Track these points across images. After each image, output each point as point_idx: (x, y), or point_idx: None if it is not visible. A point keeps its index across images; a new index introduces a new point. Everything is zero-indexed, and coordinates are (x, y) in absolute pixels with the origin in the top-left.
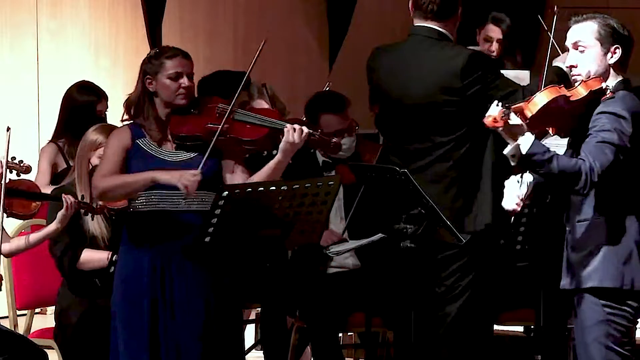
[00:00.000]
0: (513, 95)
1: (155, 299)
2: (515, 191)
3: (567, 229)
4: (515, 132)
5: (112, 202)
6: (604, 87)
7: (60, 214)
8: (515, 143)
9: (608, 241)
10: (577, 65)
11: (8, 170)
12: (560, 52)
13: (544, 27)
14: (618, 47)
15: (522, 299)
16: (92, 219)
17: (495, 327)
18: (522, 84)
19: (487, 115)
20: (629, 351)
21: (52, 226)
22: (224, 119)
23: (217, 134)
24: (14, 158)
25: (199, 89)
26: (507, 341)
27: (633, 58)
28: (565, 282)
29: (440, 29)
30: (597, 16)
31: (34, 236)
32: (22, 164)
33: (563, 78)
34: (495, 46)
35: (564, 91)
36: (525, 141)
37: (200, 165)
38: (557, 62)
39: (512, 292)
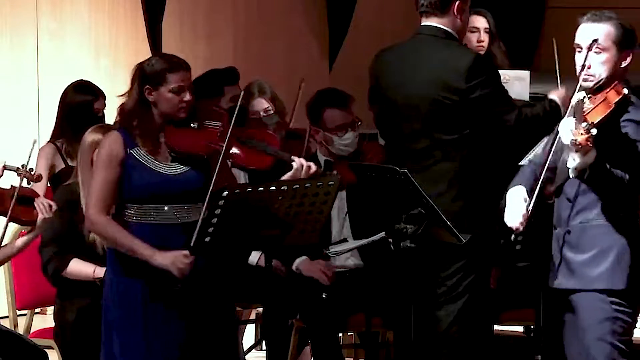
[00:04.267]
0: (511, 113)
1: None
2: (520, 207)
3: (566, 229)
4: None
5: None
6: (626, 93)
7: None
8: (587, 155)
9: (618, 242)
10: (590, 67)
11: (18, 177)
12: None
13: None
14: (631, 52)
15: (522, 299)
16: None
17: (495, 327)
18: (521, 85)
19: (575, 138)
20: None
21: (36, 231)
22: (225, 145)
23: (221, 156)
24: (24, 165)
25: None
26: (507, 341)
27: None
28: (564, 281)
29: (445, 28)
30: (612, 17)
31: (21, 240)
32: (32, 172)
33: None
34: (484, 36)
35: (612, 101)
36: (593, 152)
37: (193, 241)
38: (551, 95)
39: (512, 292)
